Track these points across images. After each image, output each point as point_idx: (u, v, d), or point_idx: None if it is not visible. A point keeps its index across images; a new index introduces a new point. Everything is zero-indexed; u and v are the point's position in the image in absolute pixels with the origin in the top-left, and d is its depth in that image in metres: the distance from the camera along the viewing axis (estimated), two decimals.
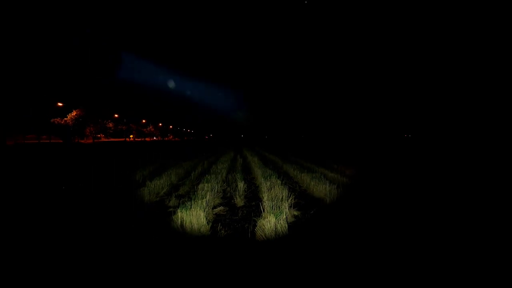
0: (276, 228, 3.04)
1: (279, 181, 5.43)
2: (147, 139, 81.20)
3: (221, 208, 4.38)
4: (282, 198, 4.25)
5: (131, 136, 76.09)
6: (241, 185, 5.45)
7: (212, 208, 4.28)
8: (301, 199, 4.90)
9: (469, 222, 3.41)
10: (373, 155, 14.69)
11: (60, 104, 43.40)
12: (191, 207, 3.41)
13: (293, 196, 4.55)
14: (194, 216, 3.27)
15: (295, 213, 3.99)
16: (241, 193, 5.01)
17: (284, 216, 3.24)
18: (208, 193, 4.54)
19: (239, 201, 4.68)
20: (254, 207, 4.36)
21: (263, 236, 3.00)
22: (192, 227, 3.20)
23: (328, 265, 2.41)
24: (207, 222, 3.40)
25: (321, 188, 5.06)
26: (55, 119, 42.59)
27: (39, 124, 41.94)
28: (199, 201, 3.77)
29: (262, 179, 5.67)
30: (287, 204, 3.89)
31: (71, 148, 25.94)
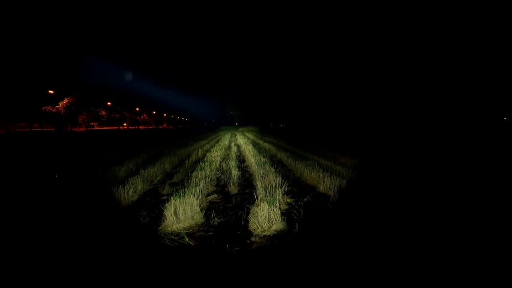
0: (269, 215, 3.06)
1: (272, 169, 5.45)
2: (141, 127, 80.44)
3: (215, 195, 4.39)
4: (275, 185, 4.27)
5: (125, 124, 75.22)
6: (235, 172, 5.46)
7: (206, 196, 4.29)
8: (295, 186, 4.94)
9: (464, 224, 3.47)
10: (367, 144, 14.79)
11: (51, 91, 42.45)
12: (184, 195, 3.41)
13: (287, 184, 4.57)
14: (188, 204, 3.27)
15: (289, 200, 4.03)
16: (235, 181, 5.02)
17: (278, 204, 3.26)
18: (202, 181, 4.54)
19: (233, 189, 4.69)
20: (247, 195, 4.38)
21: (257, 223, 3.02)
22: (185, 214, 3.21)
23: (320, 253, 2.45)
24: (200, 210, 3.41)
25: (314, 175, 5.10)
26: (46, 107, 41.72)
27: (30, 112, 41.10)
28: (193, 188, 3.77)
29: (256, 167, 5.68)
30: (280, 192, 3.92)
31: (63, 137, 25.59)
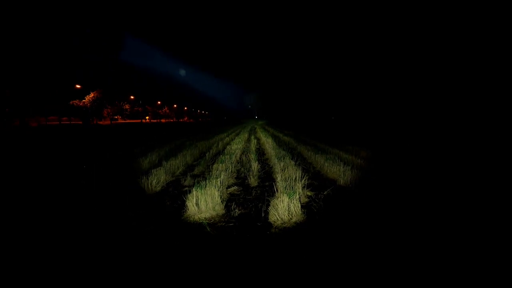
0: (289, 208, 3.07)
1: (292, 162, 5.43)
2: (162, 120, 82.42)
3: (235, 188, 4.45)
4: (295, 178, 4.26)
5: (147, 117, 77.37)
6: (255, 165, 5.49)
7: (226, 188, 4.36)
8: (315, 180, 4.90)
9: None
10: (391, 139, 14.35)
11: (78, 86, 44.43)
12: (205, 187, 3.48)
13: (307, 177, 4.55)
14: (209, 195, 3.34)
15: (309, 193, 4.01)
16: (254, 173, 5.06)
17: (298, 196, 3.25)
18: (222, 173, 4.61)
19: (253, 181, 4.73)
20: (267, 187, 4.40)
21: (277, 215, 3.04)
22: (207, 205, 3.28)
23: (340, 246, 2.44)
24: (221, 201, 3.48)
25: (334, 169, 5.03)
26: (73, 101, 43.77)
27: (59, 106, 43.26)
28: (214, 180, 3.83)
29: (276, 160, 5.68)
30: (300, 185, 3.90)
31: (89, 129, 26.72)
